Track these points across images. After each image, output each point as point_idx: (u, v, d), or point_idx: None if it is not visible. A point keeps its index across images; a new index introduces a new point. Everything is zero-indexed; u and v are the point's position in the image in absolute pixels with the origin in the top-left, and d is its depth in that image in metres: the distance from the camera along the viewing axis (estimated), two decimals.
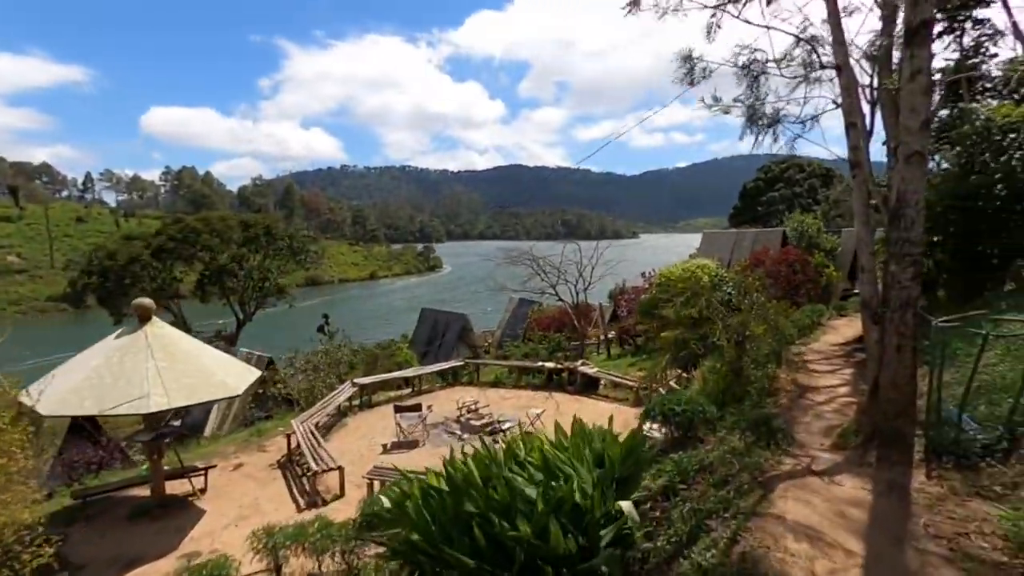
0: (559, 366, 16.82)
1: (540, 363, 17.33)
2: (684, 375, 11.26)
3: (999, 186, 11.03)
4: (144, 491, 10.06)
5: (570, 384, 16.57)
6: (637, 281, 26.15)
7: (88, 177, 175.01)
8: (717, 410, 7.48)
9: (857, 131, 5.90)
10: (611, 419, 5.84)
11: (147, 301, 9.47)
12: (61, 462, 14.42)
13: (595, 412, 14.21)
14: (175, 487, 10.29)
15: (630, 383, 14.95)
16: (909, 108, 5.25)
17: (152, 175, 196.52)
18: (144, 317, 9.35)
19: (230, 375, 9.49)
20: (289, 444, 11.85)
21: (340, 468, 9.91)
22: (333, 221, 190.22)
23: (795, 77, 6.44)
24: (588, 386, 16.33)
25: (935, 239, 12.11)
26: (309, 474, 9.91)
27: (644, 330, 15.90)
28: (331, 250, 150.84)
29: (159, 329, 9.41)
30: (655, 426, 7.56)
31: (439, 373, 18.08)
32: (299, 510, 9.59)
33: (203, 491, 10.43)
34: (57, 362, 9.43)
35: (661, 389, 11.04)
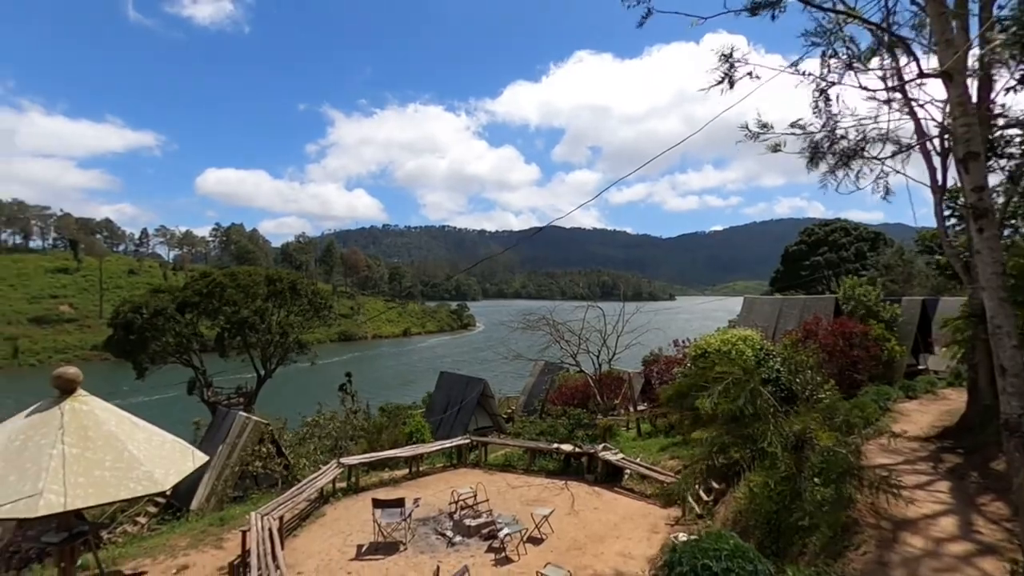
0: (578, 450, 14.55)
1: (556, 445, 15.08)
2: (720, 488, 8.97)
3: None
4: None
5: (590, 472, 14.24)
6: (672, 349, 23.81)
7: (144, 232, 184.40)
8: (771, 553, 5.28)
9: (980, 165, 4.03)
10: None
11: (71, 370, 7.96)
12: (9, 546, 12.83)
13: (616, 512, 11.85)
14: None
15: (660, 476, 12.57)
16: None
17: (204, 231, 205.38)
18: (66, 389, 7.82)
19: (159, 466, 7.77)
20: (244, 544, 9.91)
21: None
22: (371, 278, 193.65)
23: (877, 91, 4.65)
24: (612, 475, 13.98)
25: None
26: None
27: (671, 424, 13.61)
28: (367, 306, 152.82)
29: (82, 405, 7.84)
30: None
31: (442, 452, 16.01)
32: None
33: None
34: None
35: (693, 504, 8.75)
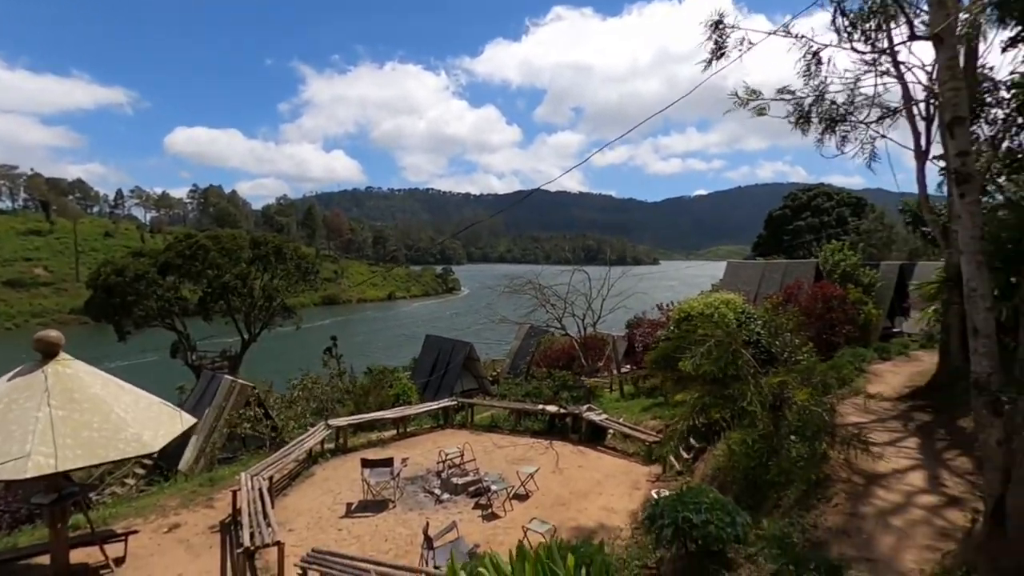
0: (562, 411, 14.86)
1: (541, 406, 15.38)
2: (700, 447, 9.26)
3: None
4: (48, 559, 8.36)
5: (574, 432, 14.59)
6: (655, 313, 24.10)
7: (119, 194, 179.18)
8: (748, 506, 5.52)
9: (965, 130, 4.07)
10: (602, 544, 4.03)
11: (53, 334, 7.89)
12: None
13: (600, 470, 12.23)
14: (92, 554, 8.59)
15: (642, 436, 12.94)
16: None
17: (180, 193, 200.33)
18: (49, 353, 7.75)
19: (148, 428, 7.81)
20: (235, 503, 10.07)
21: (279, 544, 8.07)
22: (354, 242, 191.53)
23: (868, 54, 4.60)
24: (595, 435, 14.34)
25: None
26: (240, 551, 8.09)
27: (654, 387, 13.91)
28: (351, 270, 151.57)
29: (66, 368, 7.80)
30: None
31: (429, 413, 16.24)
32: None
33: (120, 561, 8.69)
34: None
35: (673, 462, 9.05)
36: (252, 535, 8.25)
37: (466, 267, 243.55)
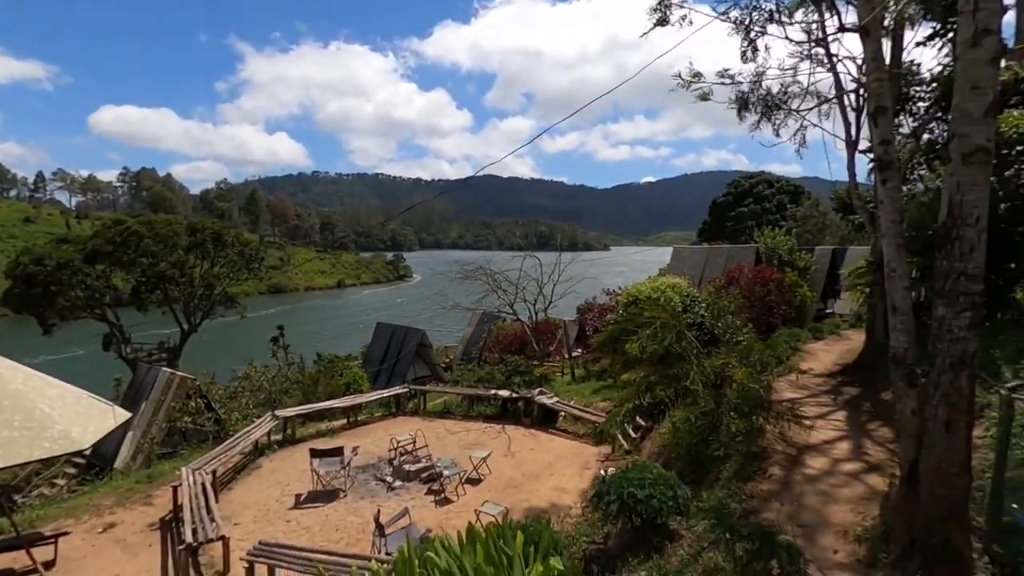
0: (514, 395, 15.00)
1: (493, 391, 15.47)
2: (647, 425, 9.57)
3: (1002, 205, 9.74)
4: None
5: (526, 416, 14.76)
6: (604, 298, 24.60)
7: (40, 176, 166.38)
8: (690, 481, 5.76)
9: (888, 119, 4.33)
10: (549, 521, 4.10)
11: None
12: None
13: (551, 452, 12.45)
14: (18, 559, 8.10)
15: (592, 417, 13.24)
16: (969, 86, 3.68)
17: (109, 176, 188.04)
18: None
19: (77, 424, 7.36)
20: (175, 499, 9.69)
21: (224, 539, 7.84)
22: (301, 228, 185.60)
23: (802, 44, 4.83)
24: (547, 418, 14.57)
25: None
26: (182, 547, 7.80)
27: (603, 369, 14.24)
28: (298, 257, 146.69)
29: None
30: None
31: (381, 401, 16.05)
32: None
33: (50, 565, 8.23)
34: None
35: (622, 441, 9.32)
36: (195, 531, 7.98)
37: (418, 254, 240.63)
